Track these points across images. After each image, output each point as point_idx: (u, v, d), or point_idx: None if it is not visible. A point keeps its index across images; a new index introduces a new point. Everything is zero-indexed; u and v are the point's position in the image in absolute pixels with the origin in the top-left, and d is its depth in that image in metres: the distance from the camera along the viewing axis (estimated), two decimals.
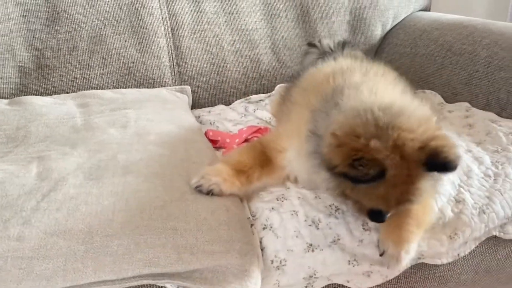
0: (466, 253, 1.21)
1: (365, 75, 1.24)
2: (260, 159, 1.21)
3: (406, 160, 0.95)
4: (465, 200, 1.21)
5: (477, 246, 1.23)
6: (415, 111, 1.03)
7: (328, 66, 1.45)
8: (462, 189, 1.25)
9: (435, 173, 1.01)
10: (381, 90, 1.11)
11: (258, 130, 1.57)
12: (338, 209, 1.16)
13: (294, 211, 1.15)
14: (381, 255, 1.09)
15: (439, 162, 0.95)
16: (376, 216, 1.05)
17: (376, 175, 0.93)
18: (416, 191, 0.99)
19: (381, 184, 0.96)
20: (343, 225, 1.14)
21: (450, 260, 1.19)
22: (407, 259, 1.07)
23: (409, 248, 1.07)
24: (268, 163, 1.22)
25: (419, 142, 0.96)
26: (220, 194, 1.13)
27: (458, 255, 1.20)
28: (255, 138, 1.53)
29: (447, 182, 1.25)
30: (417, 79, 1.95)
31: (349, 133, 0.97)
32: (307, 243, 1.11)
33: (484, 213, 1.20)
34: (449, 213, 1.18)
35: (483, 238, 1.23)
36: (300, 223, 1.13)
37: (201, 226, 1.04)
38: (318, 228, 1.12)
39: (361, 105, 1.03)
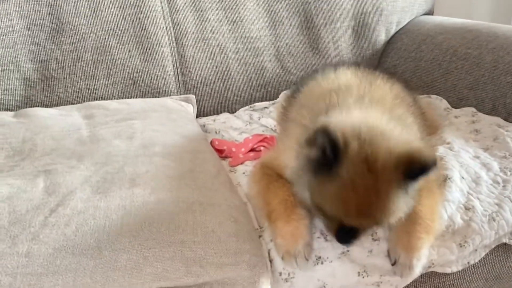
0: (476, 261, 1.21)
1: (360, 99, 1.22)
2: (282, 179, 1.19)
3: (375, 174, 0.96)
4: (475, 208, 1.21)
5: (487, 254, 1.23)
6: (398, 136, 1.04)
7: (327, 81, 1.43)
8: (471, 196, 1.24)
9: (408, 192, 1.01)
10: (369, 113, 1.12)
11: (264, 139, 1.56)
12: None
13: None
14: (393, 264, 1.09)
15: (415, 163, 0.96)
16: (343, 235, 1.05)
17: (337, 145, 0.95)
18: (381, 208, 0.99)
19: (340, 180, 0.97)
20: None
21: (460, 268, 1.19)
22: (419, 266, 1.07)
23: (420, 255, 1.07)
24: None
25: (394, 162, 0.97)
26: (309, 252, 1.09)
27: (468, 263, 1.20)
28: (262, 147, 1.52)
29: (456, 189, 1.24)
30: (422, 84, 1.95)
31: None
32: (315, 255, 1.10)
33: (494, 220, 1.19)
34: (458, 221, 1.18)
35: (493, 246, 1.23)
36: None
37: (209, 238, 1.03)
38: (326, 240, 1.12)
39: (349, 118, 1.07)
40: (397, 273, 1.09)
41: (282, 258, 1.07)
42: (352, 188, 0.97)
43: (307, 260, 1.07)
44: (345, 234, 1.06)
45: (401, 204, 1.01)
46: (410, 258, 1.06)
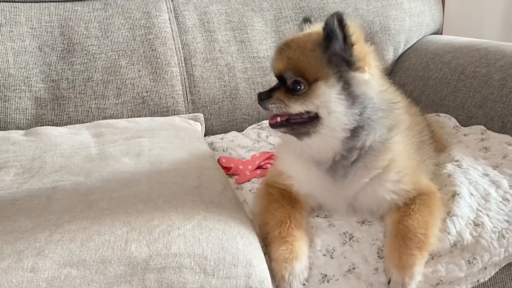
0: (486, 279, 1.19)
1: None
2: (282, 199, 1.20)
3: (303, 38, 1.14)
4: (484, 224, 1.19)
5: (497, 273, 1.21)
6: None
7: None
8: (480, 213, 1.23)
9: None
10: None
11: (271, 157, 1.56)
12: (353, 236, 1.15)
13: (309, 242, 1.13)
14: (389, 283, 1.08)
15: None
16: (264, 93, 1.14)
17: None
18: (291, 53, 1.11)
19: None
20: (358, 253, 1.12)
21: (470, 286, 1.17)
22: (412, 284, 1.06)
23: (413, 272, 1.05)
24: (288, 194, 1.22)
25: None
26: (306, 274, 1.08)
27: (478, 281, 1.17)
28: (268, 165, 1.52)
29: (465, 205, 1.22)
30: (431, 102, 1.94)
31: None
32: (321, 274, 1.09)
33: (504, 237, 1.17)
34: (467, 237, 1.16)
35: (503, 264, 1.21)
36: (314, 253, 1.11)
37: (219, 252, 1.02)
38: (332, 258, 1.11)
39: None
40: None
41: (277, 285, 1.05)
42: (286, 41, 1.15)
43: (303, 284, 1.05)
44: (266, 92, 1.14)
45: (312, 62, 1.08)
46: (402, 276, 1.05)
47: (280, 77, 1.13)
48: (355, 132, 1.09)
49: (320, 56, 1.08)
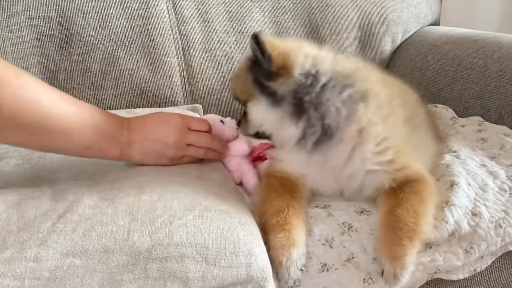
0: (483, 268, 1.20)
1: None
2: (281, 189, 1.21)
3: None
4: (482, 214, 1.20)
5: (494, 262, 1.22)
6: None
7: None
8: (478, 203, 1.24)
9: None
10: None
11: (271, 147, 1.57)
12: (351, 226, 1.16)
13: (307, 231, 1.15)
14: (382, 274, 1.09)
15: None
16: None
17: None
18: (234, 81, 1.31)
19: None
20: (357, 243, 1.13)
21: (467, 275, 1.18)
22: (404, 274, 1.06)
23: (404, 262, 1.06)
24: (288, 183, 1.23)
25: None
26: (303, 261, 1.09)
27: (475, 270, 1.19)
28: (267, 156, 1.53)
29: (463, 194, 1.24)
30: (428, 93, 1.95)
31: None
32: (321, 263, 1.10)
33: (501, 227, 1.19)
34: (465, 226, 1.17)
35: (500, 253, 1.22)
36: (313, 242, 1.12)
37: (220, 242, 1.03)
38: (331, 247, 1.12)
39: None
40: (386, 282, 1.08)
41: (276, 272, 1.06)
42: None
43: (301, 270, 1.07)
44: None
45: (243, 87, 1.22)
46: (393, 267, 1.05)
47: None
48: (299, 120, 1.16)
49: (247, 79, 1.19)
